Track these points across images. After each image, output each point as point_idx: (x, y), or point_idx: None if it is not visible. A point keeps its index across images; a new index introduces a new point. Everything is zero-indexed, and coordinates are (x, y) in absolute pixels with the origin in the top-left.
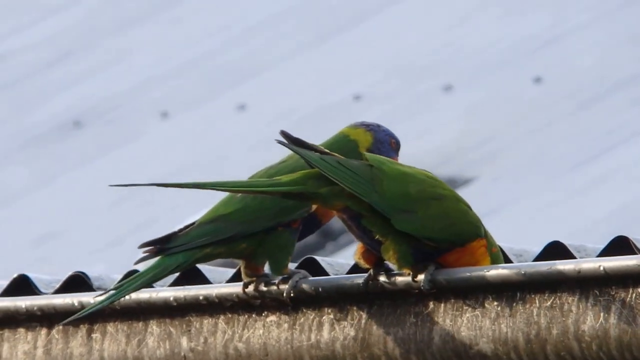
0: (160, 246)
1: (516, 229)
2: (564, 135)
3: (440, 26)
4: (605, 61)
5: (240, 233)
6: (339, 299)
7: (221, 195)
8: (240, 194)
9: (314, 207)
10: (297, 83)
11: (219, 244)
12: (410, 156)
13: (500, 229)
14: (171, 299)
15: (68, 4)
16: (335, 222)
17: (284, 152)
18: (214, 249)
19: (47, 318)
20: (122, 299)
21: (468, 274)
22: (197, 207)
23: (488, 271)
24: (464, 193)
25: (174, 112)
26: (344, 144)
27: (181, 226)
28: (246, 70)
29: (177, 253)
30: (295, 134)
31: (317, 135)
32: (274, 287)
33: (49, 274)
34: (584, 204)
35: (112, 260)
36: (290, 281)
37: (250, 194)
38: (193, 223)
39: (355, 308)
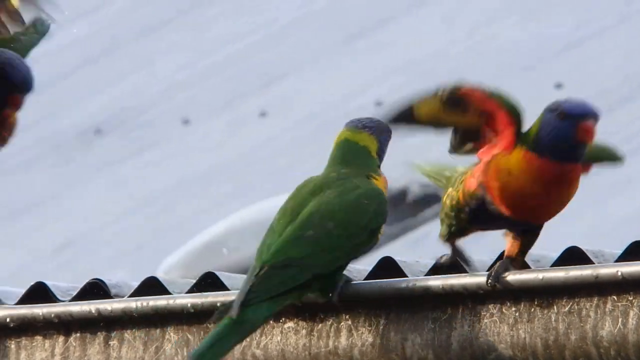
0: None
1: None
2: None
3: (462, 31)
4: (627, 65)
5: (315, 275)
6: (356, 305)
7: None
8: (310, 233)
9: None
10: (319, 89)
11: (296, 288)
12: (433, 161)
13: None
14: (189, 305)
15: (91, 11)
16: None
17: (304, 159)
18: (292, 294)
19: (65, 325)
20: (139, 305)
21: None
22: (219, 214)
23: (506, 277)
24: None
25: (196, 119)
26: (356, 153)
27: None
28: (268, 76)
29: (259, 304)
30: (316, 139)
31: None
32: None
33: (67, 282)
34: (602, 209)
35: (132, 267)
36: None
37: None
38: (261, 268)
39: (372, 314)
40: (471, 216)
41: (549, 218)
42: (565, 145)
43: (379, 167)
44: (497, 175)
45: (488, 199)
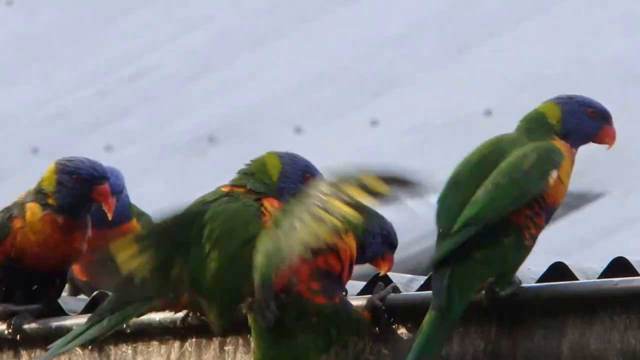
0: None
1: None
2: None
3: (570, 40)
4: None
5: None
6: (467, 312)
7: None
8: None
9: None
10: (429, 98)
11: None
12: None
13: (632, 242)
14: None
15: (203, 21)
16: None
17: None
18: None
19: (180, 331)
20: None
21: (597, 286)
22: None
23: (616, 284)
24: (594, 207)
25: (307, 127)
26: (535, 120)
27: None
28: (379, 84)
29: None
30: (425, 148)
31: (446, 150)
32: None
33: None
34: None
35: None
36: (382, 292)
37: None
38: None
39: (484, 321)
40: None
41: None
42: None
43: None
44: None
45: None
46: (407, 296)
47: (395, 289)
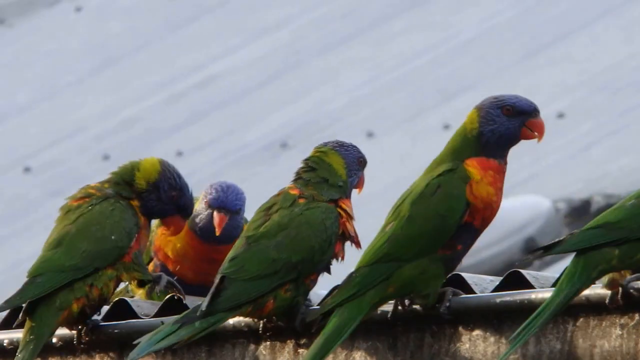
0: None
1: None
2: None
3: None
4: None
5: None
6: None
7: None
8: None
9: None
10: None
11: None
12: (613, 172)
13: None
14: (378, 312)
15: (275, 27)
16: (543, 238)
17: None
18: None
19: (254, 334)
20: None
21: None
22: None
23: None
24: None
25: (379, 132)
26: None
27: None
28: (451, 89)
29: None
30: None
31: (523, 153)
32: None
33: None
34: None
35: None
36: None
37: None
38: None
39: (560, 321)
40: None
41: None
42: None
43: None
44: None
45: None
46: (481, 297)
47: (456, 293)
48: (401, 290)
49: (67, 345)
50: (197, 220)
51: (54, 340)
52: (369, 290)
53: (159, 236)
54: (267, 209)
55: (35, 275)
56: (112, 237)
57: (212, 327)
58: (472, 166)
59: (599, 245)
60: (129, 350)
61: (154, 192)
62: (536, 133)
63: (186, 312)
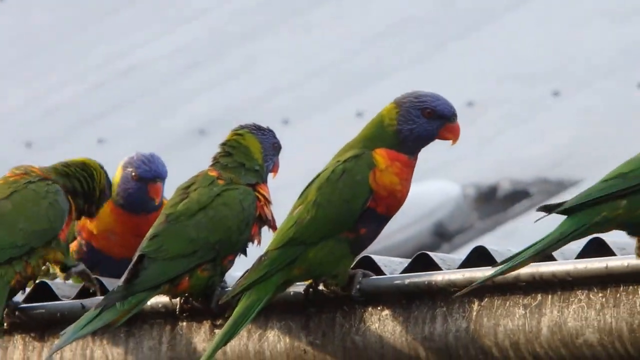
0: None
1: None
2: None
3: (550, 33)
4: None
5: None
6: (450, 292)
7: None
8: None
9: None
10: (413, 89)
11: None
12: (523, 160)
13: None
14: (291, 294)
15: (193, 17)
16: (452, 223)
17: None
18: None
19: (171, 314)
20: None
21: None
22: None
23: (605, 262)
24: (573, 194)
25: (295, 119)
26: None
27: None
28: (365, 78)
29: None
30: None
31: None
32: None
33: None
34: None
35: None
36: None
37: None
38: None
39: (466, 301)
40: None
41: None
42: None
43: None
44: None
45: None
46: (391, 279)
47: (366, 274)
48: (308, 273)
49: None
50: (125, 194)
51: None
52: (276, 272)
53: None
54: (186, 188)
55: None
56: (48, 217)
57: (136, 308)
58: (380, 155)
59: (608, 195)
60: (49, 331)
61: (99, 195)
62: (451, 137)
63: (107, 294)
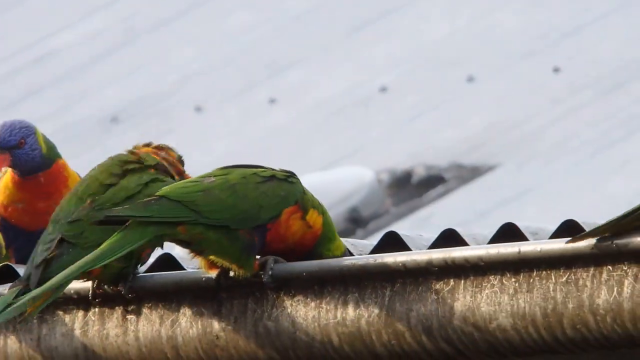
0: None
1: (539, 211)
2: (584, 123)
3: (464, 19)
4: (625, 50)
5: None
6: (363, 278)
7: None
8: None
9: None
10: (326, 77)
11: None
12: (437, 145)
13: (524, 212)
14: (203, 279)
15: (107, 4)
16: (366, 208)
17: (312, 145)
18: None
19: (84, 300)
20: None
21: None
22: None
23: (517, 247)
24: (488, 180)
25: (208, 107)
26: None
27: None
28: (277, 65)
29: None
30: (326, 126)
31: (348, 126)
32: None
33: None
34: (602, 189)
35: None
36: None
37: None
38: None
39: (378, 286)
40: None
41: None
42: None
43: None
44: None
45: None
46: (303, 264)
47: (277, 260)
48: (194, 239)
49: None
50: None
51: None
52: (160, 221)
53: None
54: (118, 173)
55: None
56: None
57: (54, 294)
58: None
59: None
60: None
61: None
62: None
63: (21, 278)
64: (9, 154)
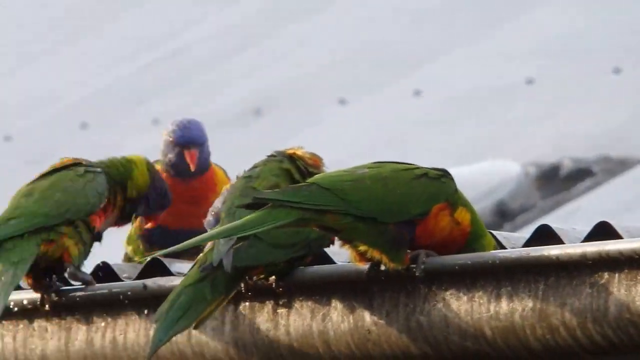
0: None
1: None
2: None
3: (608, 9)
4: None
5: None
6: (516, 271)
7: None
8: None
9: None
10: (471, 67)
11: None
12: (583, 138)
13: None
14: (354, 273)
15: None
16: (514, 202)
17: (459, 135)
18: None
19: (235, 295)
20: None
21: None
22: None
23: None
24: (636, 172)
25: (351, 98)
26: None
27: None
28: (421, 56)
29: None
30: (468, 117)
31: (492, 118)
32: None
33: None
34: None
35: None
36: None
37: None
38: None
39: (532, 280)
40: None
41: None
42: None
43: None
44: None
45: None
46: (454, 258)
47: (429, 254)
48: (342, 228)
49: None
50: (168, 160)
51: (11, 304)
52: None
53: None
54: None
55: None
56: (85, 192)
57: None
58: None
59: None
60: (94, 313)
61: (142, 200)
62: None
63: (201, 267)
64: (197, 150)
